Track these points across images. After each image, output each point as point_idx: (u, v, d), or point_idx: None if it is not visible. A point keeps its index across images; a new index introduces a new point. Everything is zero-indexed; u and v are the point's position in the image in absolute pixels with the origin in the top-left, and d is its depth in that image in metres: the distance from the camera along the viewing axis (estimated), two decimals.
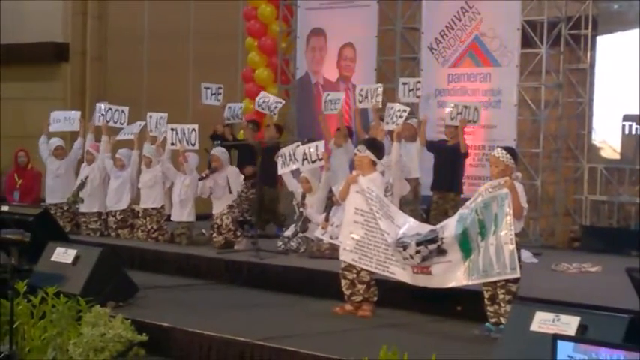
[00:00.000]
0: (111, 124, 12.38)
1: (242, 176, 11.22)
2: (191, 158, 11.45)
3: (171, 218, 11.54)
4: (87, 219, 12.21)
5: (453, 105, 11.24)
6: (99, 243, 10.25)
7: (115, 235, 11.90)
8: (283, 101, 12.69)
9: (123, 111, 12.39)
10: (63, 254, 8.31)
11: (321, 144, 10.65)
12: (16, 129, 17.58)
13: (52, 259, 8.34)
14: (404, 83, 11.56)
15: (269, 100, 12.35)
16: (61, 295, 7.35)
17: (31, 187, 13.94)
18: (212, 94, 12.81)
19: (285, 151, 10.80)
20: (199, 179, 10.96)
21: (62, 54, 18.05)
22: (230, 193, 10.92)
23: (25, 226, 8.04)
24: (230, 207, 10.94)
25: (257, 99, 12.45)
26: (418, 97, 11.48)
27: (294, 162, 10.63)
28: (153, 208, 11.67)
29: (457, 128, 10.98)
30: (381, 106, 11.37)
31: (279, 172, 10.86)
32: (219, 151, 11.20)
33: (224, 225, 10.88)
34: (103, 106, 12.58)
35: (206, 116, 12.97)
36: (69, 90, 18.00)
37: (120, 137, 12.29)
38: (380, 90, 11.47)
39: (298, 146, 10.70)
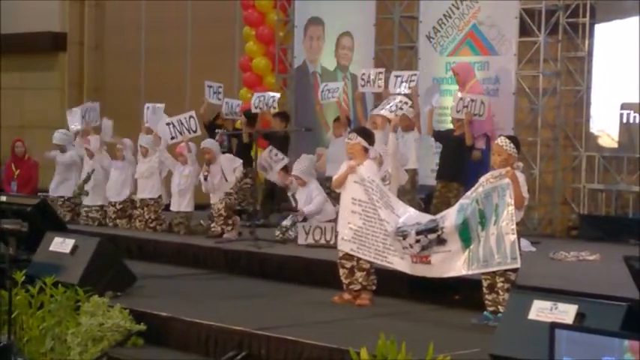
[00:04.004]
0: (92, 124, 12.59)
1: (240, 161, 11.17)
2: (192, 148, 11.44)
3: (171, 208, 11.54)
4: (89, 208, 12.22)
5: (460, 98, 11.09)
6: (97, 233, 10.25)
7: (113, 225, 11.91)
8: (278, 94, 12.66)
9: (94, 109, 12.76)
10: (61, 244, 8.31)
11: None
12: (13, 119, 17.57)
13: (50, 249, 8.34)
14: (396, 76, 11.29)
15: (264, 97, 12.34)
16: (59, 285, 7.38)
17: (28, 177, 13.90)
18: (214, 93, 12.77)
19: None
20: (204, 178, 10.94)
21: (59, 43, 18.00)
22: (226, 181, 10.92)
23: (23, 216, 8.05)
24: (227, 194, 10.93)
25: (252, 102, 12.43)
26: (410, 88, 11.36)
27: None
28: (150, 198, 11.67)
29: (463, 120, 10.91)
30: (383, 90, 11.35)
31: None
32: (209, 143, 11.20)
33: (216, 210, 10.88)
34: (77, 110, 12.91)
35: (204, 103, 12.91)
36: (66, 80, 17.97)
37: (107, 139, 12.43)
38: (382, 75, 11.43)
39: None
